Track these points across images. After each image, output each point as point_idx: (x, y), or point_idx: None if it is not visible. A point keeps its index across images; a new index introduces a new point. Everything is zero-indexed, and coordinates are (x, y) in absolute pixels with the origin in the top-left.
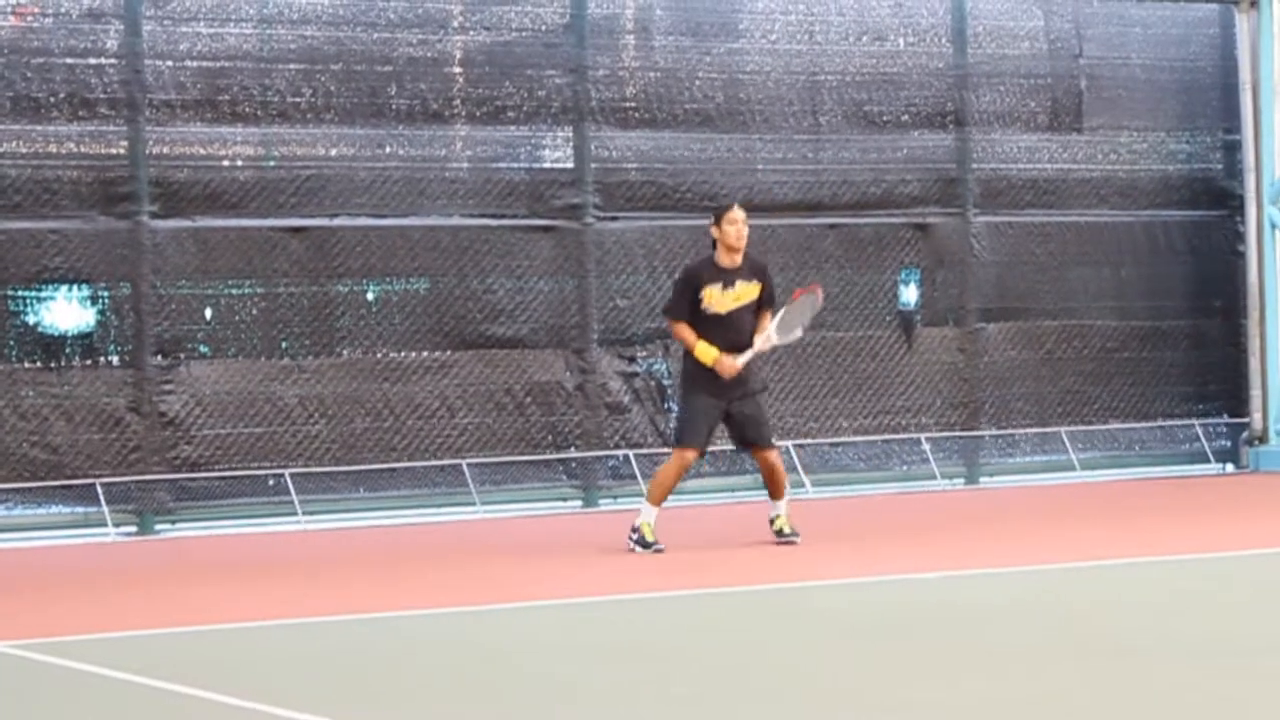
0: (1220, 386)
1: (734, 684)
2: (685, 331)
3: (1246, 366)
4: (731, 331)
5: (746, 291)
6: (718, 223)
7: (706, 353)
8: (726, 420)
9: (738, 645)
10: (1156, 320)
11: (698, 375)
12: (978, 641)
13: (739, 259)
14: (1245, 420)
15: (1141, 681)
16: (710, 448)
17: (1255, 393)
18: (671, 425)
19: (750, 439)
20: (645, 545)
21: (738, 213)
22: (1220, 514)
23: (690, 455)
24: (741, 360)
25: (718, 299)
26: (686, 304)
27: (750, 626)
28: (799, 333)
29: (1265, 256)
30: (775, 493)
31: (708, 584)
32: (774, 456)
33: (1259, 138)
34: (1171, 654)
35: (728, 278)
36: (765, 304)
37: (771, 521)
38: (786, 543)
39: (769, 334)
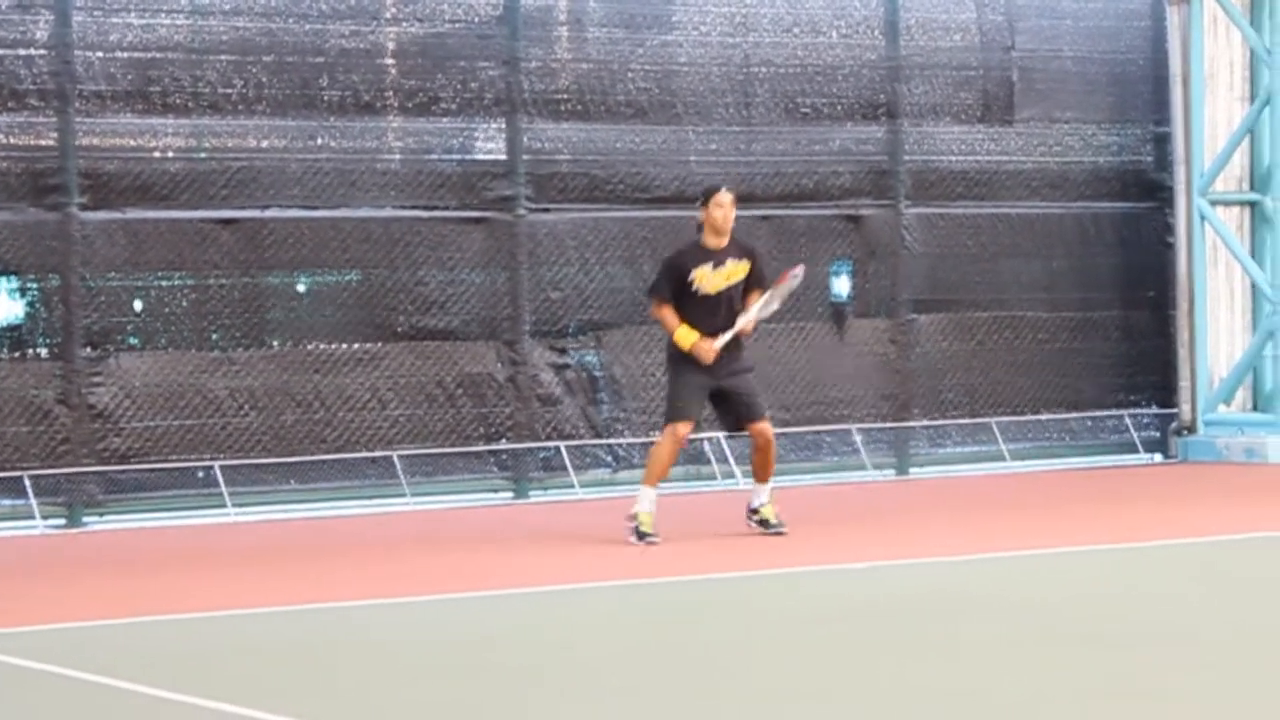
0: (1149, 377)
1: (668, 675)
2: (667, 315)
3: (1175, 357)
4: (722, 311)
5: (737, 270)
6: (705, 204)
7: (685, 338)
8: (716, 400)
9: (669, 636)
10: (1087, 311)
11: (684, 353)
12: (905, 631)
13: (725, 240)
14: (1174, 411)
15: (1072, 670)
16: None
17: (1184, 383)
18: (603, 417)
19: (743, 414)
20: (640, 537)
21: (725, 195)
22: (1149, 504)
23: (682, 429)
24: (719, 343)
25: (709, 279)
26: (670, 287)
27: (681, 618)
28: (775, 304)
29: (1195, 248)
30: (762, 473)
31: (638, 575)
32: (769, 430)
33: (1189, 130)
34: (1103, 643)
35: (717, 258)
36: (755, 283)
37: (755, 511)
38: (775, 534)
39: (750, 315)
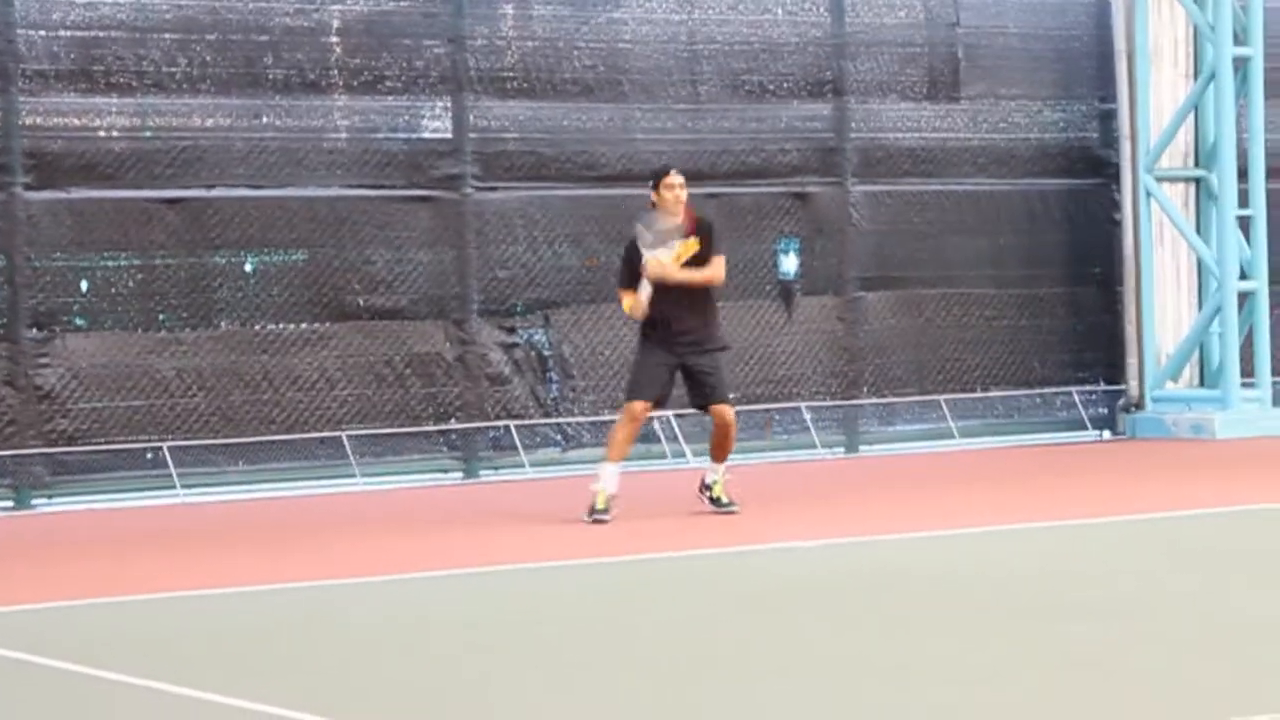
0: (1097, 354)
1: (624, 653)
2: (621, 296)
3: (1123, 334)
4: (676, 291)
5: (686, 249)
6: (655, 188)
7: (625, 301)
8: (685, 377)
9: (624, 615)
10: (1034, 288)
11: (649, 333)
12: (856, 607)
13: (677, 221)
14: (1122, 387)
15: (1022, 643)
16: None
17: (1131, 360)
18: (552, 396)
19: (705, 394)
20: (591, 513)
21: (674, 177)
22: (1097, 480)
23: (637, 408)
24: (655, 265)
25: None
26: (629, 274)
27: (635, 596)
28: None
29: (1141, 224)
30: (719, 453)
31: (590, 554)
32: (730, 414)
33: (1134, 106)
34: (1052, 617)
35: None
36: (709, 255)
37: (707, 487)
38: (726, 512)
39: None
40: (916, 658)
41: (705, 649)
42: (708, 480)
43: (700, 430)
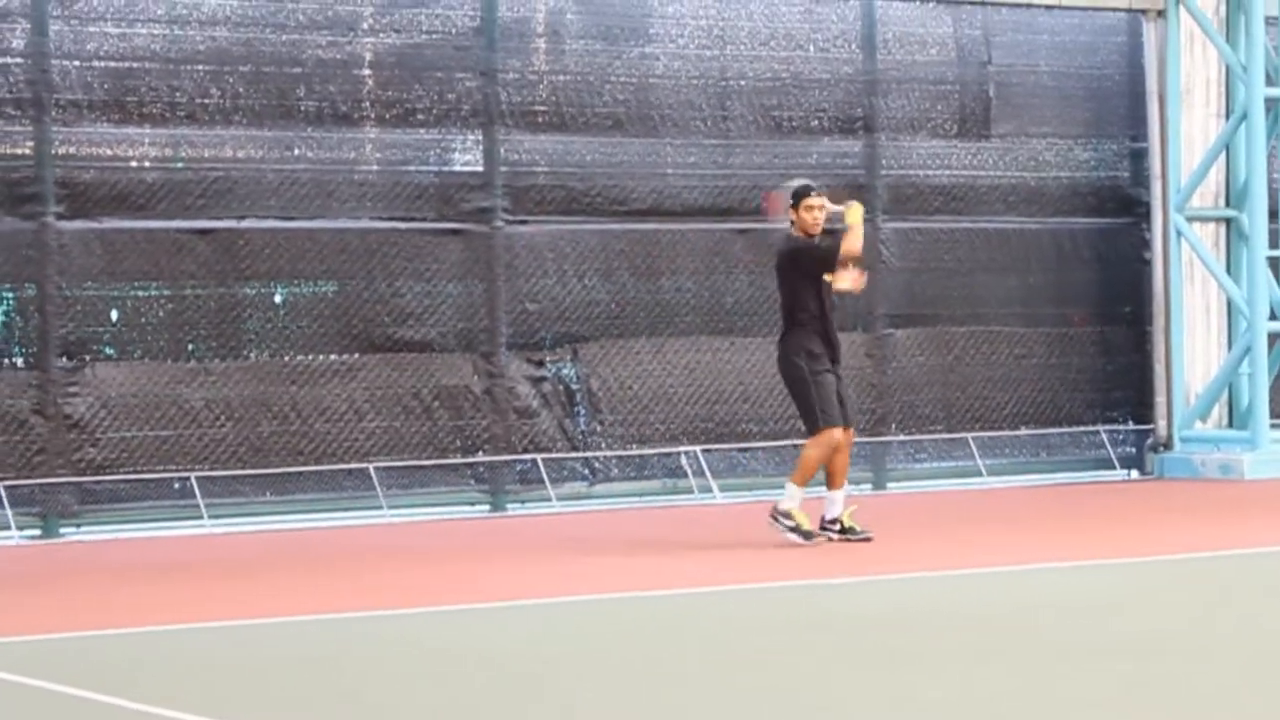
0: (1126, 393)
1: (651, 690)
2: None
3: (1152, 373)
4: (824, 303)
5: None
6: (795, 207)
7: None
8: None
9: (649, 651)
10: (1063, 327)
11: (816, 353)
12: (881, 645)
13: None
14: (1150, 427)
15: (1046, 683)
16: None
17: (1160, 399)
18: (579, 430)
19: (846, 415)
20: (806, 536)
21: (816, 199)
22: (1124, 520)
23: (839, 435)
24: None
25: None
26: (801, 269)
27: (659, 632)
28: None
29: (1171, 264)
30: (841, 478)
31: (617, 589)
32: (852, 435)
33: (1165, 146)
34: (1079, 656)
35: None
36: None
37: (835, 520)
38: (863, 540)
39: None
40: (933, 696)
41: (728, 686)
42: (833, 514)
43: (726, 466)
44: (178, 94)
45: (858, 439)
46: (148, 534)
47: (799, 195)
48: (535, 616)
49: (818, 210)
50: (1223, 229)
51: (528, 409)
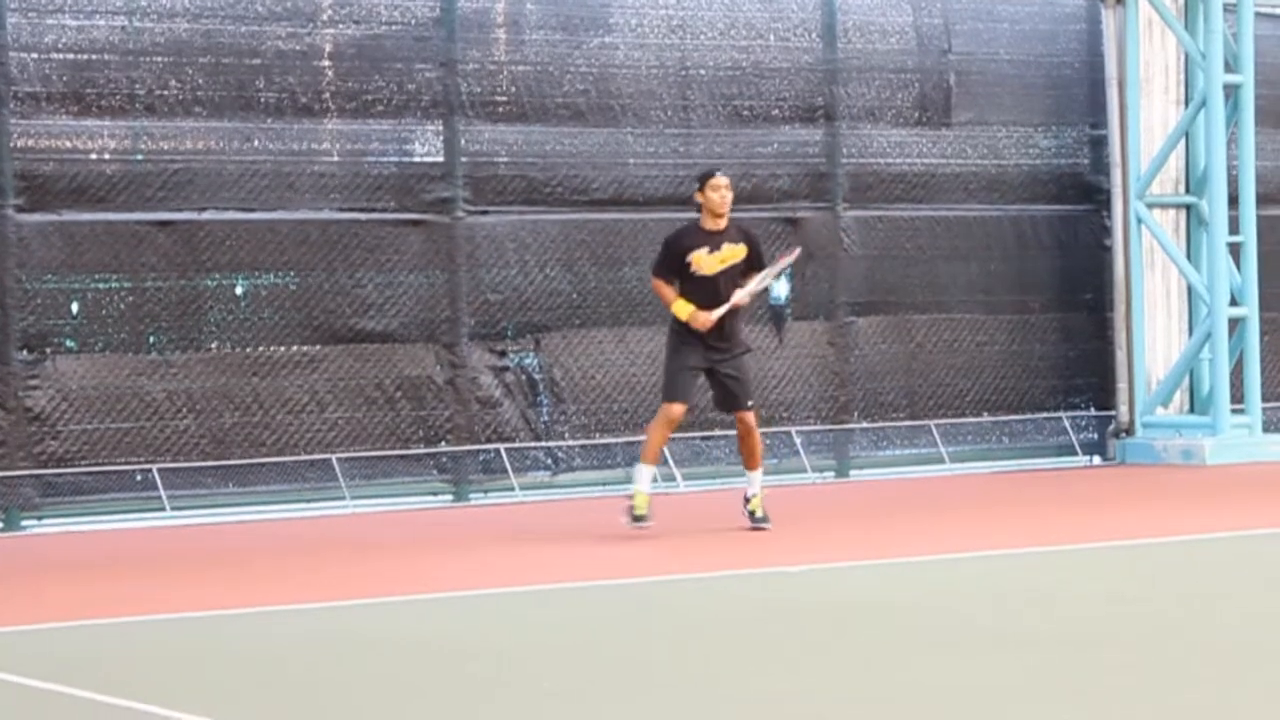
0: (1087, 379)
1: (611, 678)
2: (665, 289)
3: (1113, 360)
4: (717, 292)
5: (733, 253)
6: (701, 189)
7: (682, 308)
8: (710, 380)
9: (610, 639)
10: (1025, 314)
11: (683, 333)
12: (841, 633)
13: (724, 223)
14: (1112, 413)
15: (1007, 671)
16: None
17: (1122, 385)
18: (542, 420)
19: (734, 399)
20: (635, 520)
21: (720, 179)
22: (1086, 506)
23: (675, 410)
24: (716, 314)
25: (705, 261)
26: (671, 266)
27: (620, 620)
28: (769, 282)
29: (1131, 250)
30: (752, 460)
31: (579, 578)
32: (752, 419)
33: (1125, 133)
34: (1041, 645)
35: (714, 241)
36: (754, 266)
37: (746, 501)
38: (757, 528)
39: (747, 289)
40: (890, 684)
41: (686, 675)
42: (748, 494)
43: (690, 454)
44: (137, 86)
45: (819, 426)
46: (110, 526)
47: (704, 178)
48: (499, 606)
49: (724, 189)
50: (1183, 215)
51: (490, 399)
